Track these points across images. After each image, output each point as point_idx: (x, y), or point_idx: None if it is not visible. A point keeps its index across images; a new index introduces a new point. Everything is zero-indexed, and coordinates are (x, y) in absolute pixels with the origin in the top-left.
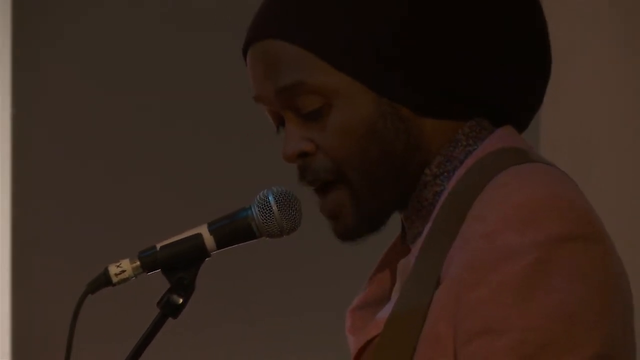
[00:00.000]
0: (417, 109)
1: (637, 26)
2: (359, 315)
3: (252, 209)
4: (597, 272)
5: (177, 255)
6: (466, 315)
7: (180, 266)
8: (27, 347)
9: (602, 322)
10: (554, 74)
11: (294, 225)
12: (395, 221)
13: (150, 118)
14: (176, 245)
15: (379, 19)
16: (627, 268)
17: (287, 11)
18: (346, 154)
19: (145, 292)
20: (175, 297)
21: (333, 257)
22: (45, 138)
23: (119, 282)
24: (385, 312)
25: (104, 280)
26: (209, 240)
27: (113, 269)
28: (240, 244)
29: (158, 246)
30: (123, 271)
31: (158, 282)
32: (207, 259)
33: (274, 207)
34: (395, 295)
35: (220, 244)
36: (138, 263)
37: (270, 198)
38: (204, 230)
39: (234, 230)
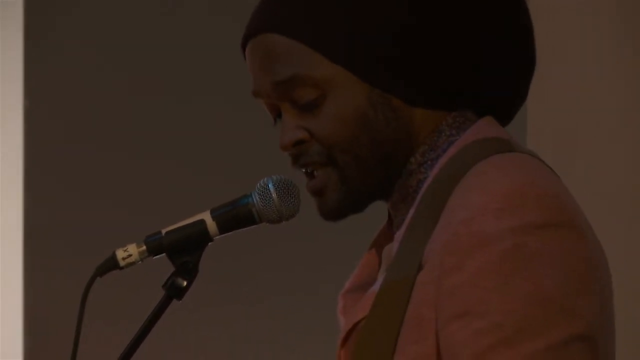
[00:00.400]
0: (408, 100)
1: (623, 21)
2: (350, 297)
3: (253, 196)
4: (572, 257)
5: (182, 240)
6: (447, 299)
7: (184, 250)
8: (39, 325)
9: (578, 304)
10: (541, 68)
11: (293, 211)
12: (386, 211)
13: (160, 110)
14: (181, 230)
15: (374, 15)
16: (609, 256)
17: (283, 5)
18: (338, 140)
19: (151, 275)
20: (179, 279)
21: (330, 241)
22: (61, 129)
23: (126, 266)
24: (369, 295)
25: (112, 264)
26: (211, 225)
27: (120, 253)
28: (241, 229)
29: (163, 231)
30: (130, 255)
31: (163, 266)
32: (210, 243)
33: (274, 195)
34: (380, 279)
35: (223, 229)
36: (144, 247)
37: (270, 186)
38: (207, 216)
39: (236, 216)
